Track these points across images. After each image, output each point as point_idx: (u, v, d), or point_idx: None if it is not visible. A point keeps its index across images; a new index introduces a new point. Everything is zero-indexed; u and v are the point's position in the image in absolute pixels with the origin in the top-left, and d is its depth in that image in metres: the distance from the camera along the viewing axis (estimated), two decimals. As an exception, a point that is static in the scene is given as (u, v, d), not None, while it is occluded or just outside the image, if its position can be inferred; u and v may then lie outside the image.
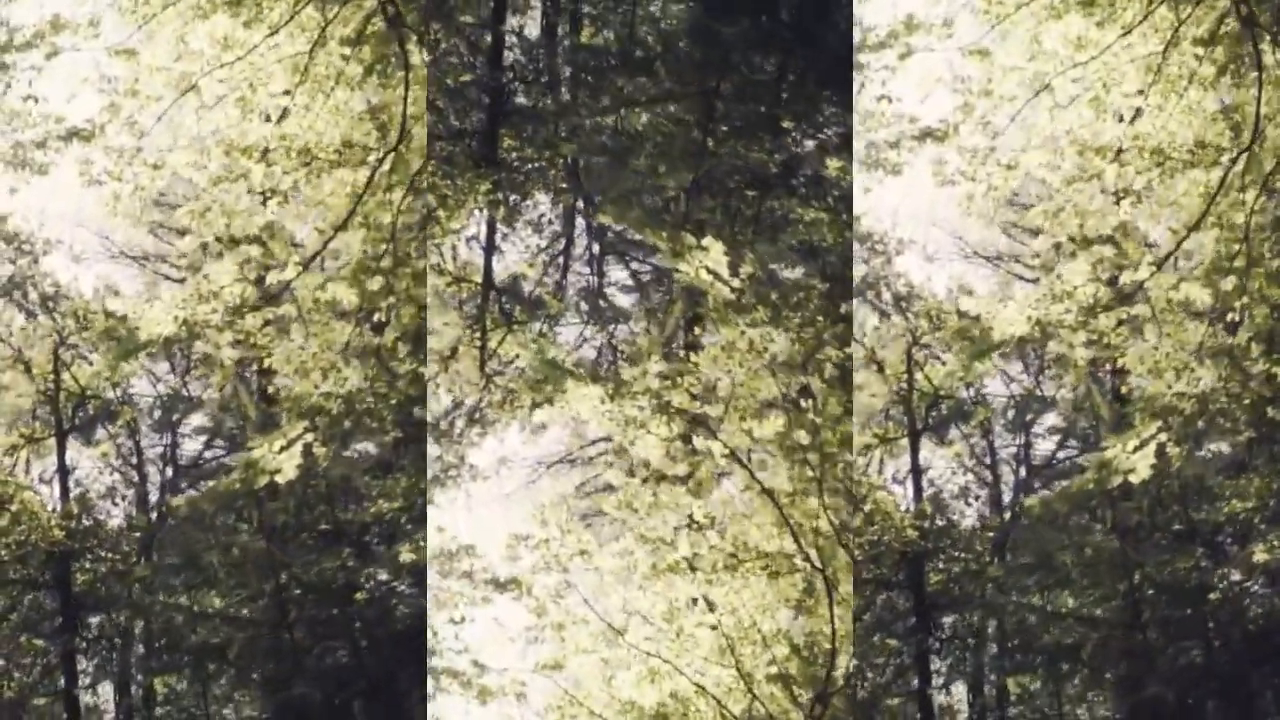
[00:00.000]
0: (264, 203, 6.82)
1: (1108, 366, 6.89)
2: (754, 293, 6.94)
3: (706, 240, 6.95)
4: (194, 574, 7.04)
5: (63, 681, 6.95)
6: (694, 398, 6.95)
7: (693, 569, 6.98)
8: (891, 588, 7.02)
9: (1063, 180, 6.78)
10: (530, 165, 7.07)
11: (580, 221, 7.27)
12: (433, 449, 7.01)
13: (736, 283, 6.96)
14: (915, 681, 6.98)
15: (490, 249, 7.15)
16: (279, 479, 6.86)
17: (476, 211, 7.05)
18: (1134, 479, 6.73)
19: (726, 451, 6.94)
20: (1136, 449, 6.73)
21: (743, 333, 6.91)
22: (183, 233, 6.84)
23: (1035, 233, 6.84)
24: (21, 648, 6.95)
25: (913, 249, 6.95)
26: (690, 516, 7.00)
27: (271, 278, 6.78)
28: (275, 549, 7.04)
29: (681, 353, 7.09)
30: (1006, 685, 7.02)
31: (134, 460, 7.05)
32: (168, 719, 7.06)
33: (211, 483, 7.04)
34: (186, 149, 6.78)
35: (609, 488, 7.12)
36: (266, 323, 6.84)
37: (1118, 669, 6.96)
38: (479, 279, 7.15)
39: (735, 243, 7.00)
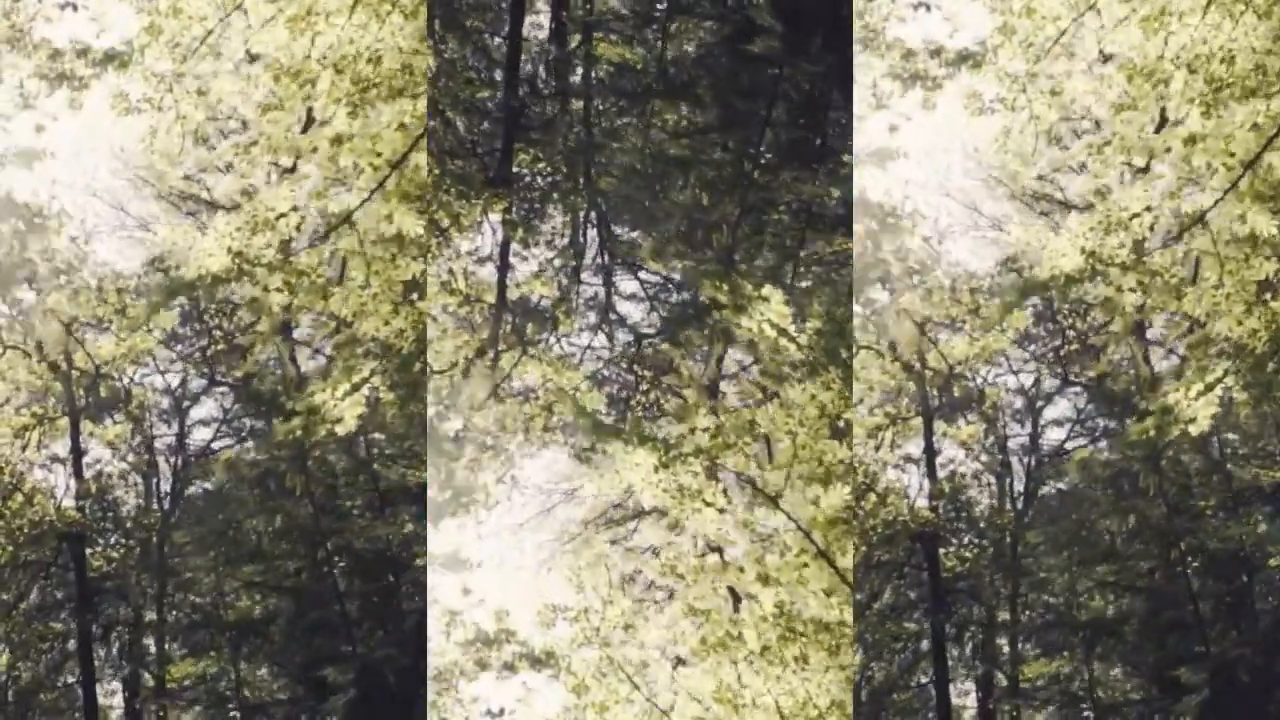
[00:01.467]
0: (308, 132, 6.40)
1: (1132, 337, 6.66)
2: (823, 350, 6.53)
3: (767, 290, 6.59)
4: (230, 546, 6.62)
5: (77, 668, 6.58)
6: (747, 457, 6.56)
7: (745, 642, 6.51)
8: (903, 574, 6.73)
9: (1110, 108, 6.53)
10: (544, 181, 6.83)
11: (592, 232, 6.95)
12: (437, 474, 6.57)
13: (804, 339, 6.55)
14: (927, 670, 6.72)
15: (504, 267, 6.79)
16: (339, 429, 6.34)
17: (489, 230, 6.72)
18: (1194, 430, 6.42)
19: (792, 527, 6.50)
20: (1200, 394, 6.43)
21: (813, 396, 6.52)
22: (197, 200, 6.42)
23: (1047, 198, 6.62)
24: (36, 632, 6.58)
25: (924, 224, 6.70)
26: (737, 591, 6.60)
27: (333, 206, 6.30)
28: (321, 515, 6.52)
29: (706, 382, 6.75)
30: (1020, 671, 6.74)
31: (144, 444, 6.64)
32: (198, 700, 6.67)
33: (257, 441, 6.52)
34: (232, 74, 6.34)
35: (629, 516, 6.76)
36: (320, 262, 6.38)
37: (1163, 645, 6.70)
38: (490, 297, 6.78)
39: (788, 284, 6.62)
